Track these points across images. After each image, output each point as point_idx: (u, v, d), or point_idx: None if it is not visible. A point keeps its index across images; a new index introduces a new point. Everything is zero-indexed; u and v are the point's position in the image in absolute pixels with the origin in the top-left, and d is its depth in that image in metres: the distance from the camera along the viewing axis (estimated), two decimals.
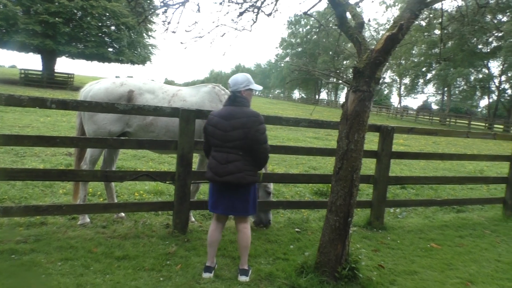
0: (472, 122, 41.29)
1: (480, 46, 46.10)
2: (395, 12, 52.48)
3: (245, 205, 3.62)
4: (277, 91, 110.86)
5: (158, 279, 3.54)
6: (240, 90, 3.67)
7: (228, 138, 3.50)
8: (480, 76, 49.44)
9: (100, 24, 33.60)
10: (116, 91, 4.86)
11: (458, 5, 5.26)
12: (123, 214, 5.09)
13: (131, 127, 4.88)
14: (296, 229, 5.23)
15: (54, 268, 3.54)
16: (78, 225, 4.67)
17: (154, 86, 5.11)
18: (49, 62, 36.16)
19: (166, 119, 4.84)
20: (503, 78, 45.98)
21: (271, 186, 5.32)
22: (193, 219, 5.17)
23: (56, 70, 37.59)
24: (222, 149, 3.54)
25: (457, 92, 55.34)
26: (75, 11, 31.45)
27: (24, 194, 5.51)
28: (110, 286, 3.34)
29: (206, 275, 3.67)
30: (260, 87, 4.03)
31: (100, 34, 33.80)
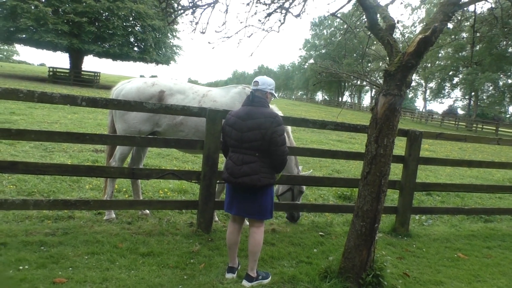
0: (500, 128, 40.10)
1: (510, 50, 44.69)
2: (420, 14, 51.56)
3: (259, 208, 3.53)
4: (300, 92, 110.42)
5: (182, 277, 3.56)
6: (266, 91, 3.65)
7: (244, 138, 3.44)
8: (510, 81, 47.96)
9: (125, 24, 34.24)
10: (147, 91, 4.93)
11: (491, 7, 5.08)
12: (147, 211, 5.16)
13: (160, 126, 4.94)
14: (320, 233, 5.18)
15: (81, 262, 3.62)
16: (104, 220, 4.75)
17: (184, 86, 5.16)
18: (76, 60, 37.05)
19: (196, 119, 4.86)
20: None
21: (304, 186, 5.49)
22: (216, 218, 5.19)
23: (83, 69, 38.49)
24: (238, 149, 3.49)
25: (484, 97, 53.81)
26: (101, 11, 32.15)
27: (53, 188, 5.65)
28: (135, 282, 3.38)
29: (229, 275, 3.67)
30: (276, 97, 4.05)
31: (125, 34, 34.42)
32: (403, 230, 5.51)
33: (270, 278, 3.70)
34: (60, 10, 31.77)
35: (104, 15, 33.01)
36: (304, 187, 5.50)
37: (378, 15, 3.97)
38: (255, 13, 4.93)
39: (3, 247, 3.72)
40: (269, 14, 4.85)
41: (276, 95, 3.83)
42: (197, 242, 4.34)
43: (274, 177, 3.58)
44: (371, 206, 3.60)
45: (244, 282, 3.57)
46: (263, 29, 4.94)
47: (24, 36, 32.26)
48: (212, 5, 4.39)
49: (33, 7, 29.22)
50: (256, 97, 3.59)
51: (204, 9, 4.63)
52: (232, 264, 3.74)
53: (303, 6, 4.94)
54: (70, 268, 3.48)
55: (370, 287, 3.62)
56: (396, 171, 9.69)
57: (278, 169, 3.59)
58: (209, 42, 4.81)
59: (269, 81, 3.70)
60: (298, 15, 4.99)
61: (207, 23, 4.63)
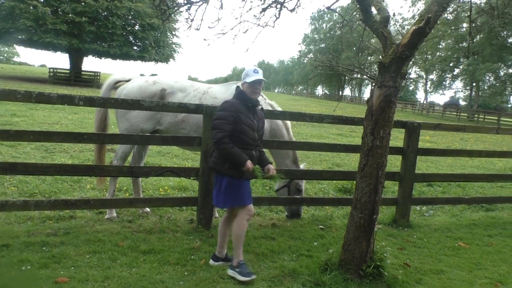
0: (502, 118, 39.91)
1: (510, 40, 44.41)
2: (420, 6, 51.25)
3: (216, 194, 3.71)
4: (300, 87, 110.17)
5: (183, 274, 3.58)
6: (242, 84, 3.75)
7: None
8: (511, 71, 47.65)
9: (124, 23, 34.24)
10: (149, 90, 4.95)
11: None
12: (148, 209, 5.19)
13: (162, 125, 4.95)
14: (320, 226, 5.20)
15: (82, 261, 3.64)
16: (105, 219, 4.78)
17: (185, 84, 5.18)
18: (76, 60, 37.08)
19: (197, 117, 4.86)
20: None
21: (303, 184, 5.41)
22: (217, 214, 5.22)
23: (83, 69, 38.50)
24: None
25: (485, 87, 53.50)
26: (100, 11, 32.14)
27: (54, 188, 5.67)
28: (136, 279, 3.40)
29: (214, 263, 3.81)
30: (256, 77, 3.58)
31: (124, 34, 34.43)
32: (404, 221, 5.52)
33: (250, 278, 3.50)
34: (59, 10, 31.79)
35: (103, 14, 33.01)
36: (303, 186, 5.42)
37: (373, 8, 3.97)
38: (250, 9, 4.94)
39: (5, 248, 3.74)
40: (264, 9, 4.84)
41: (248, 80, 3.59)
42: (198, 239, 4.36)
43: (222, 164, 3.57)
44: (369, 198, 3.61)
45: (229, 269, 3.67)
46: (258, 25, 4.94)
47: (23, 37, 32.29)
48: (206, 1, 4.39)
49: (31, 7, 29.21)
50: (235, 91, 3.80)
51: (199, 5, 4.63)
52: (218, 253, 3.87)
53: (298, 0, 4.94)
54: (72, 268, 3.51)
55: (370, 278, 3.64)
56: (397, 163, 9.69)
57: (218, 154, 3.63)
58: (204, 39, 4.82)
59: (242, 75, 3.77)
60: (293, 10, 4.99)
61: (201, 19, 4.63)
